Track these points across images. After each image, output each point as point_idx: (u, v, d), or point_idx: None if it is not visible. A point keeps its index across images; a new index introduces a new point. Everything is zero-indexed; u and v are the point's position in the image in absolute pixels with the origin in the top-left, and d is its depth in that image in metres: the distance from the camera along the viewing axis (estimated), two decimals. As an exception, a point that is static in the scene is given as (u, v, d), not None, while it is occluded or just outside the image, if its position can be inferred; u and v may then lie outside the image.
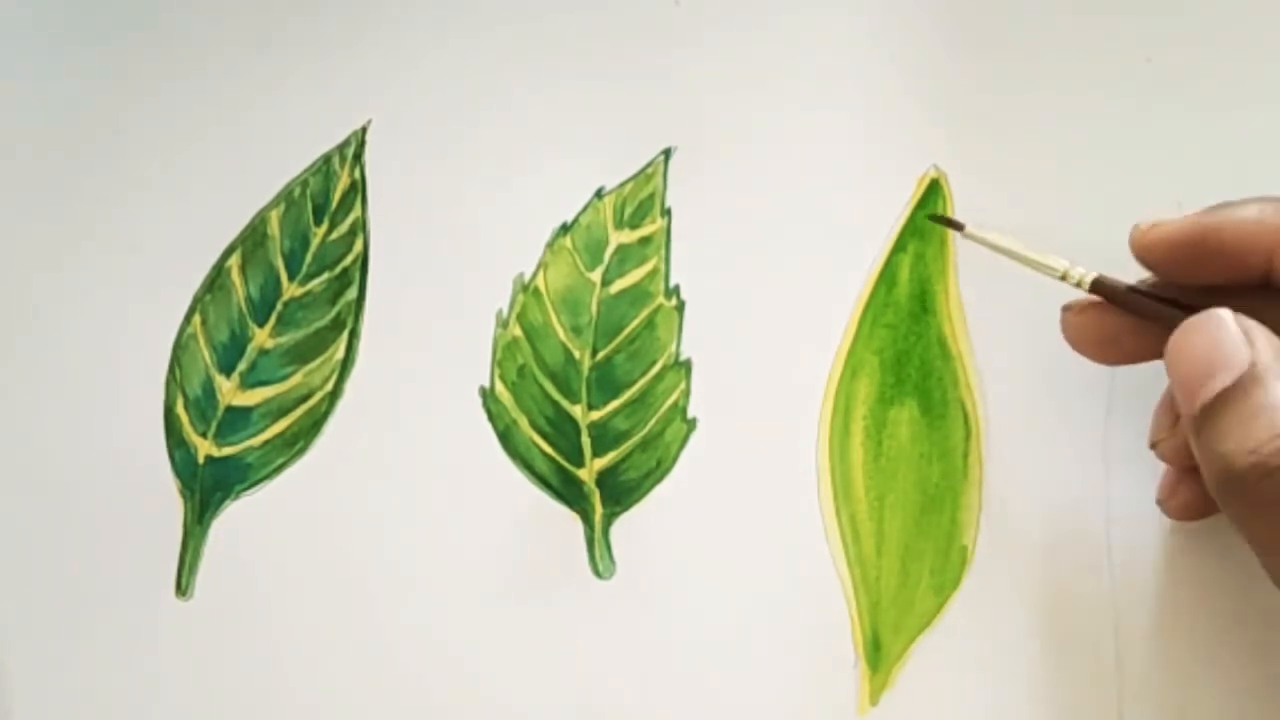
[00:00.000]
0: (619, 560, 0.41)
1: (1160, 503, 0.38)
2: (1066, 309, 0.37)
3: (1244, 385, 0.32)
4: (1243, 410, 0.31)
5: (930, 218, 0.41)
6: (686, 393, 0.42)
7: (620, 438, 0.42)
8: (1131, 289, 0.36)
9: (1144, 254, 0.36)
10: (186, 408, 0.43)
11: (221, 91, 0.44)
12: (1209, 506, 0.37)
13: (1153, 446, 0.37)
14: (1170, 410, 0.36)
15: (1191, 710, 0.39)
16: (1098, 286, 0.36)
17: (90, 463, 0.43)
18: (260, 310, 0.43)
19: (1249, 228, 0.34)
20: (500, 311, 0.42)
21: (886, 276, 0.41)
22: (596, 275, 0.42)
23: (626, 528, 0.41)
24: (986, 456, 0.40)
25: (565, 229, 0.42)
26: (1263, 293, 0.34)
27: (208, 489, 0.43)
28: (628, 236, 0.42)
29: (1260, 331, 0.32)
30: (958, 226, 0.39)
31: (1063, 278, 0.37)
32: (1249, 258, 0.34)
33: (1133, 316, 0.36)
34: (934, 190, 0.41)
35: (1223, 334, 0.32)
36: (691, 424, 0.41)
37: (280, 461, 0.43)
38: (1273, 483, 0.31)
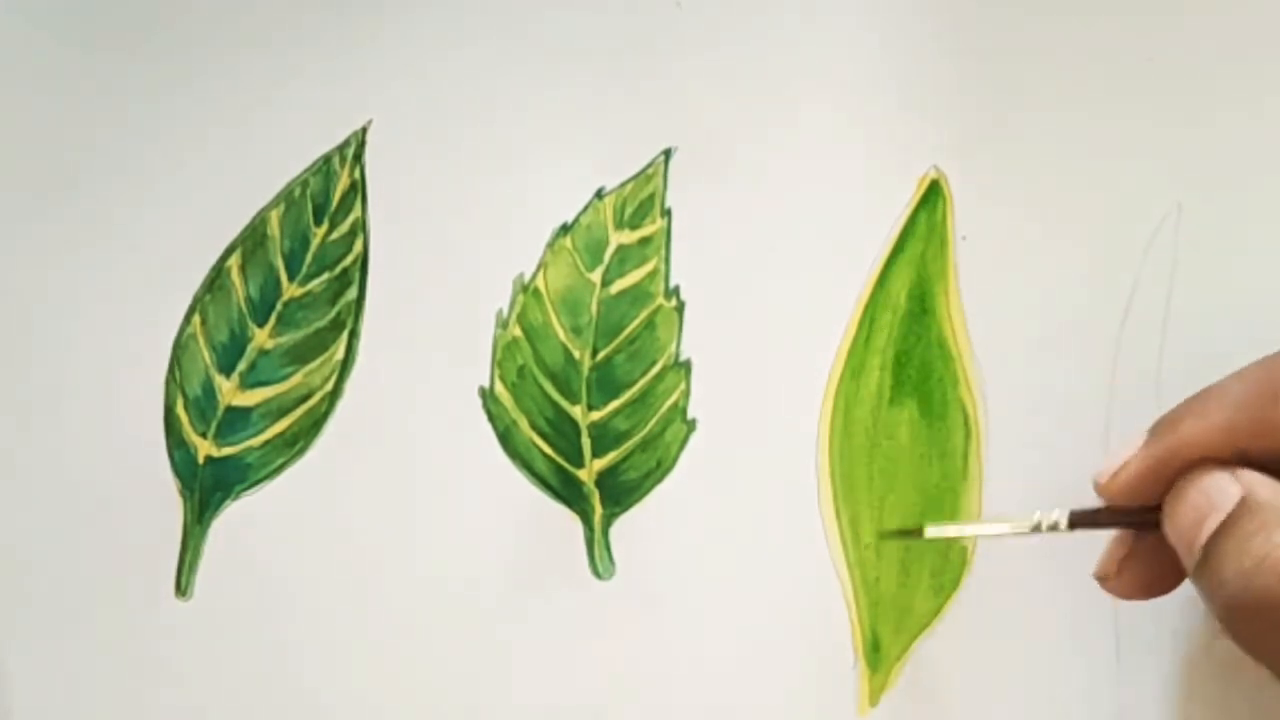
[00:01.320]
0: (619, 561, 0.41)
1: (1100, 577, 0.37)
2: (1101, 579, 0.36)
3: (1235, 518, 0.32)
4: (1238, 538, 0.32)
5: (883, 535, 0.40)
6: (686, 393, 0.42)
7: (620, 438, 0.42)
8: (1109, 509, 0.36)
9: (1115, 500, 0.35)
10: (186, 408, 0.43)
11: (221, 91, 0.44)
12: (1156, 585, 0.36)
13: (1100, 580, 0.37)
14: (1120, 547, 0.36)
15: (1192, 710, 0.39)
16: (1076, 522, 0.36)
17: (90, 463, 0.43)
18: (260, 310, 0.43)
19: (1205, 438, 0.34)
20: (500, 312, 0.42)
21: (886, 277, 0.41)
22: (596, 276, 0.42)
23: (626, 528, 0.41)
24: (986, 456, 0.40)
25: (565, 229, 0.42)
26: None
27: (208, 489, 0.43)
28: (628, 237, 0.42)
29: (1246, 472, 0.33)
30: (916, 535, 0.39)
31: (1035, 529, 0.36)
32: (1219, 459, 0.34)
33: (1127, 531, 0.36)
34: (934, 191, 0.41)
35: (1211, 483, 0.33)
36: (691, 424, 0.41)
37: (280, 461, 0.43)
38: (1275, 594, 0.31)
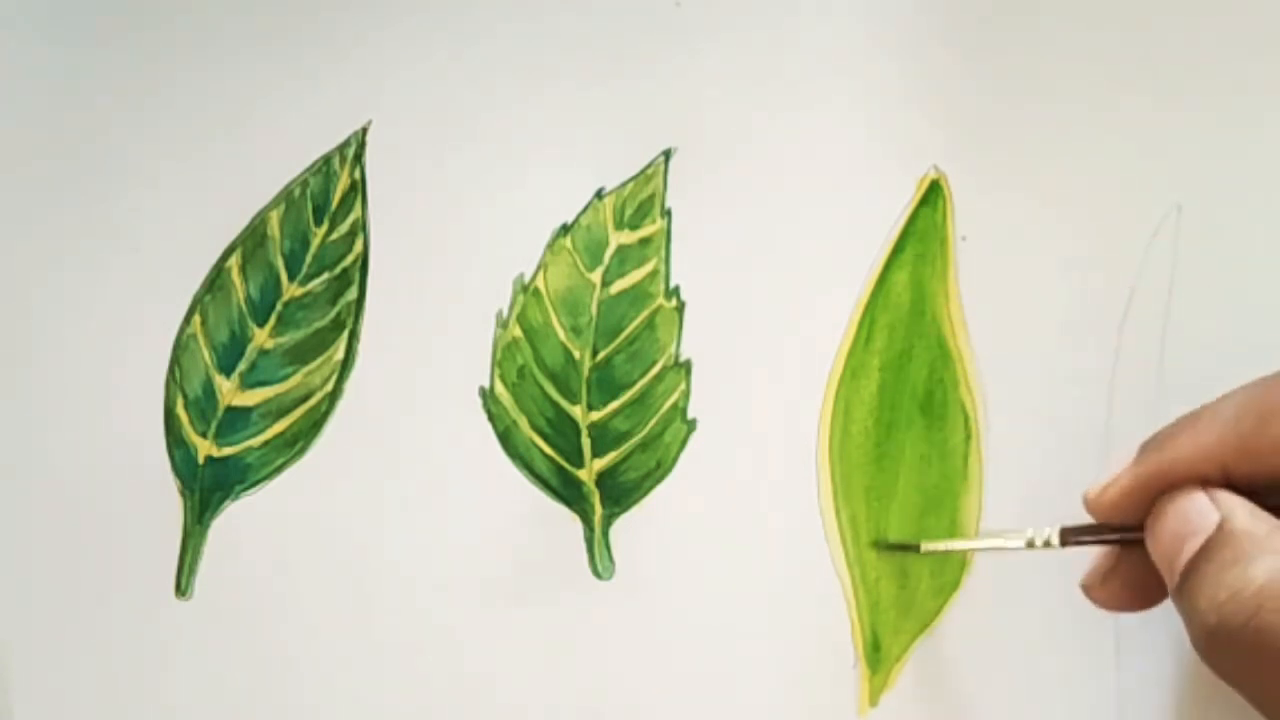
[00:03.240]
0: (619, 561, 0.41)
1: (1086, 588, 0.37)
2: (1087, 589, 0.37)
3: (1213, 545, 0.32)
4: (1214, 566, 0.32)
5: (880, 546, 0.40)
6: (686, 393, 0.42)
7: (620, 438, 0.42)
8: (1099, 526, 0.36)
9: (1104, 517, 0.36)
10: (186, 408, 0.43)
11: (222, 92, 0.44)
12: (1140, 599, 0.36)
13: (1085, 589, 0.37)
14: (1107, 560, 0.36)
15: (1192, 710, 0.39)
16: (1067, 538, 0.36)
17: (90, 462, 0.43)
18: (260, 310, 0.43)
19: (1192, 458, 0.34)
20: (500, 312, 0.42)
21: (886, 277, 0.41)
22: (596, 276, 0.42)
23: (626, 528, 0.41)
24: (986, 457, 0.40)
25: (565, 229, 0.42)
26: None
27: (208, 489, 0.43)
28: (628, 237, 0.42)
29: (1226, 495, 0.33)
30: (913, 549, 0.40)
31: (1029, 545, 0.37)
32: (1208, 483, 0.34)
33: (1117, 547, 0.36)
34: (934, 191, 0.41)
35: (1190, 505, 0.33)
36: (691, 425, 0.41)
37: (280, 461, 0.43)
38: (1247, 630, 0.31)
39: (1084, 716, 0.39)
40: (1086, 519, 0.36)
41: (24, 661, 0.42)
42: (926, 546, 0.39)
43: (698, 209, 0.42)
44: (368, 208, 0.43)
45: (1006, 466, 0.40)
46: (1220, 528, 0.32)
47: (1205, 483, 0.34)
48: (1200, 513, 0.33)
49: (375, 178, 0.43)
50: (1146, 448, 0.35)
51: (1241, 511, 0.32)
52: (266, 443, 0.43)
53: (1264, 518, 0.32)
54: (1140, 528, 0.35)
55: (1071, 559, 0.39)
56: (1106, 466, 0.39)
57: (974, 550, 0.39)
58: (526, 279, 0.42)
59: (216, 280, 0.44)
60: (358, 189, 0.43)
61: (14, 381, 0.43)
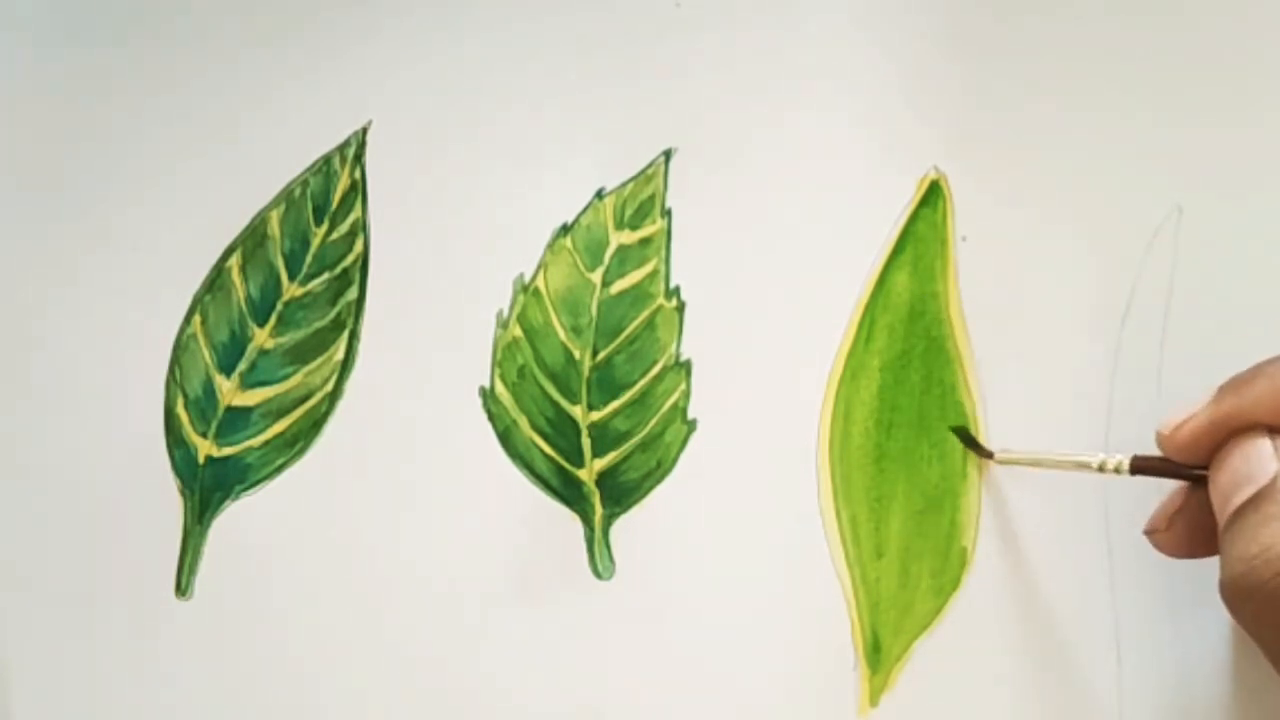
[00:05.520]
0: (619, 561, 0.41)
1: (1149, 532, 0.38)
2: (1151, 533, 0.37)
3: (1262, 495, 0.33)
4: (1256, 518, 0.33)
5: (959, 435, 0.40)
6: (686, 393, 0.42)
7: (620, 438, 0.42)
8: (1169, 461, 0.36)
9: (1178, 454, 0.36)
10: (187, 408, 0.43)
11: (222, 92, 0.44)
12: (1202, 546, 0.37)
13: (1149, 534, 0.37)
14: (1172, 503, 0.37)
15: (1192, 710, 0.39)
16: (1138, 468, 0.37)
17: (90, 462, 0.43)
18: (260, 310, 0.43)
19: (1270, 403, 0.34)
20: (500, 312, 0.42)
21: (887, 277, 0.41)
22: (597, 276, 0.42)
23: (626, 528, 0.41)
24: (986, 457, 0.40)
25: (565, 229, 0.42)
26: None
27: (208, 489, 0.43)
28: (628, 237, 0.42)
29: None
30: (987, 454, 0.40)
31: (1100, 469, 0.37)
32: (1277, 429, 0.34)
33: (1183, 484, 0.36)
34: (934, 192, 0.41)
35: (1254, 450, 0.34)
36: (691, 425, 0.41)
37: (280, 461, 0.43)
38: (1268, 589, 0.32)
39: (1084, 716, 0.39)
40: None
41: (24, 661, 0.42)
42: (1001, 455, 0.39)
43: (698, 209, 0.42)
44: (368, 208, 0.43)
45: (1007, 467, 0.40)
46: (1274, 480, 0.33)
47: (1275, 431, 0.34)
48: (1261, 458, 0.33)
49: (375, 178, 0.43)
50: (1224, 390, 0.35)
51: None
52: (266, 443, 0.43)
53: None
54: (1207, 468, 0.35)
55: (1071, 559, 0.39)
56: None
57: (1046, 464, 0.39)
58: (527, 279, 0.42)
59: (217, 280, 0.44)
60: (358, 189, 0.43)
61: (15, 381, 0.43)
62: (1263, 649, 0.33)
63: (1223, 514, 0.34)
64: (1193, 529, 0.36)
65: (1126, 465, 0.37)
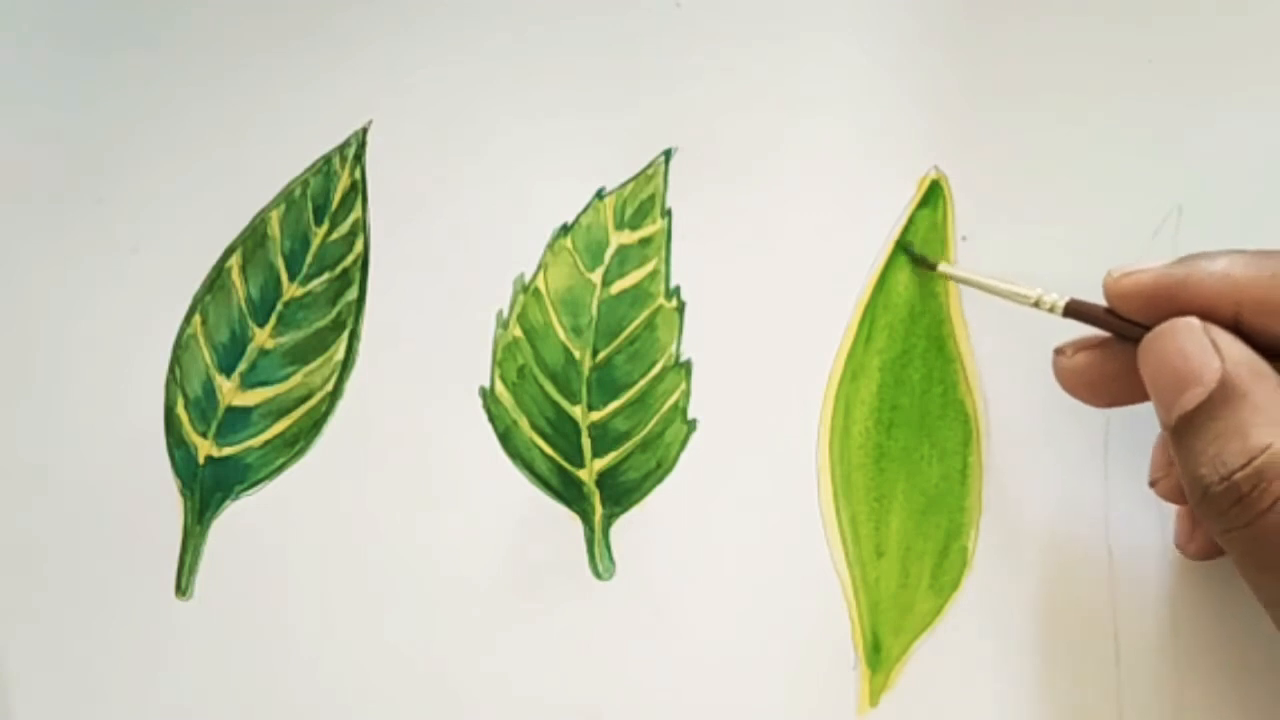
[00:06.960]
0: (619, 561, 0.41)
1: (1180, 548, 0.38)
2: (1059, 353, 0.37)
3: (1214, 403, 0.32)
4: (1215, 430, 0.32)
5: (905, 251, 0.41)
6: (687, 393, 0.42)
7: (620, 438, 0.42)
8: (1106, 309, 0.36)
9: (1117, 300, 0.36)
10: (187, 408, 0.43)
11: (222, 92, 0.44)
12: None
13: (1152, 485, 0.37)
14: (1166, 449, 0.36)
15: (1192, 710, 0.39)
16: (1072, 310, 0.36)
17: (91, 463, 0.43)
18: (260, 310, 0.43)
19: (1215, 282, 0.34)
20: (500, 312, 0.42)
21: (886, 277, 0.41)
22: (597, 276, 0.42)
23: (626, 528, 0.41)
24: (986, 457, 0.40)
25: (565, 229, 0.42)
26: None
27: (208, 489, 0.43)
28: (628, 237, 0.42)
29: (1228, 340, 0.33)
30: (930, 266, 0.40)
31: (1035, 304, 0.37)
32: (1217, 311, 0.34)
33: (1110, 335, 0.36)
34: (934, 191, 0.41)
35: (1190, 343, 0.33)
36: (691, 425, 0.41)
37: (280, 462, 0.43)
38: (1243, 507, 0.31)
39: (1084, 716, 0.39)
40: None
41: (24, 661, 0.42)
42: (944, 268, 0.40)
43: (698, 209, 0.42)
44: (368, 208, 0.43)
45: (1006, 466, 0.40)
46: (1223, 383, 0.32)
47: (1211, 315, 0.33)
48: (1201, 354, 0.33)
49: (375, 178, 0.43)
50: (1185, 258, 0.35)
51: (1243, 367, 0.32)
52: (267, 443, 0.43)
53: (1267, 374, 0.32)
54: (1142, 326, 0.35)
55: (1071, 559, 0.39)
56: (1106, 466, 0.39)
57: (983, 286, 0.39)
58: (527, 279, 0.42)
59: (217, 280, 0.44)
60: (358, 189, 0.43)
61: (15, 381, 0.43)
62: (1234, 558, 0.33)
63: (1166, 410, 0.33)
64: (1104, 376, 0.36)
65: (1061, 305, 0.36)
